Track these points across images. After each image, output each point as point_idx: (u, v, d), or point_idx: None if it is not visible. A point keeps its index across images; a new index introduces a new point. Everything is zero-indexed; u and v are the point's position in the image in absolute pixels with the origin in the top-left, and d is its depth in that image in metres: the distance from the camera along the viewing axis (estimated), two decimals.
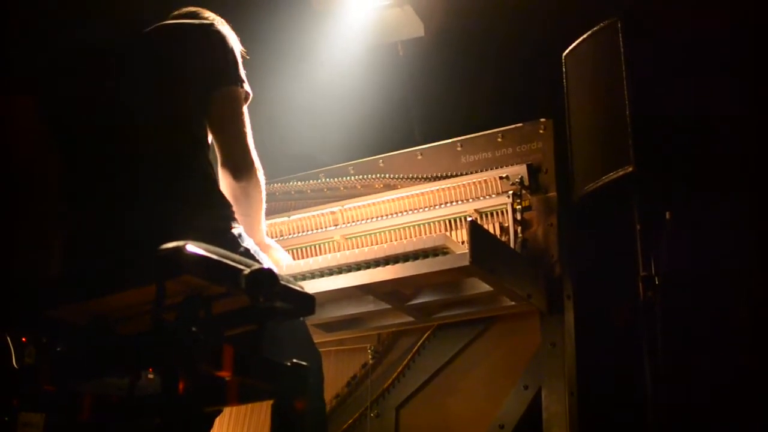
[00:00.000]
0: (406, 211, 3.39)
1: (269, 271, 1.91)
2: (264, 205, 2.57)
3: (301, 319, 2.46)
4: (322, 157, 4.01)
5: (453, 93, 4.33)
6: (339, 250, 3.41)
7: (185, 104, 2.40)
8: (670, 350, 2.76)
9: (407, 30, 4.14)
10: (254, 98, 2.56)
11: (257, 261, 2.19)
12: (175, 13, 2.70)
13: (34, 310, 2.03)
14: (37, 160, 2.36)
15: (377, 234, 3.41)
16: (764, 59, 3.42)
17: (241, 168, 2.47)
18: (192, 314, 1.84)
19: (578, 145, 3.14)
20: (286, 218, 3.58)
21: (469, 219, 3.12)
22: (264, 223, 2.60)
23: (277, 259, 2.67)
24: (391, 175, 3.57)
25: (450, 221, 3.29)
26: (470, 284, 2.99)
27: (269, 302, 1.91)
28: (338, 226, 3.49)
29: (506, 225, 3.19)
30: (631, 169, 2.89)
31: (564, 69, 3.23)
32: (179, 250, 1.80)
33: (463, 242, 3.03)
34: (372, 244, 3.37)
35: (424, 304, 3.11)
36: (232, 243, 2.28)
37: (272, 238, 3.29)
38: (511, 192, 3.21)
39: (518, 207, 3.19)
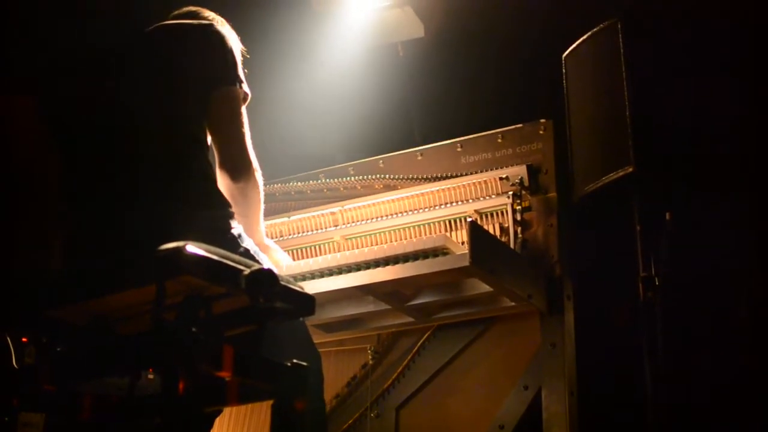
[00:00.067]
0: (406, 211, 3.39)
1: (269, 271, 1.91)
2: (262, 206, 2.57)
3: (301, 319, 2.46)
4: (323, 156, 4.00)
5: (453, 94, 4.33)
6: (339, 251, 3.41)
7: (185, 104, 2.41)
8: (670, 350, 2.76)
9: (407, 31, 4.14)
10: (254, 98, 2.56)
11: (257, 261, 2.19)
12: (176, 12, 2.70)
13: (34, 310, 2.03)
14: (37, 160, 2.36)
15: (377, 234, 3.41)
16: (764, 59, 3.42)
17: (239, 169, 2.47)
18: (192, 314, 1.84)
19: (578, 146, 3.14)
20: (286, 219, 3.58)
21: (469, 219, 3.12)
22: (263, 224, 2.60)
23: (277, 260, 2.67)
24: (391, 176, 3.57)
25: (450, 222, 3.29)
26: (470, 285, 2.99)
27: (269, 302, 1.91)
28: (338, 227, 3.49)
29: (506, 225, 3.19)
30: (631, 169, 2.89)
31: (564, 70, 3.23)
32: (179, 251, 1.80)
33: (463, 243, 3.03)
34: (372, 245, 3.37)
35: (424, 305, 3.11)
36: (232, 243, 2.28)
37: (272, 238, 3.30)
38: (511, 192, 3.21)
39: (518, 207, 3.19)
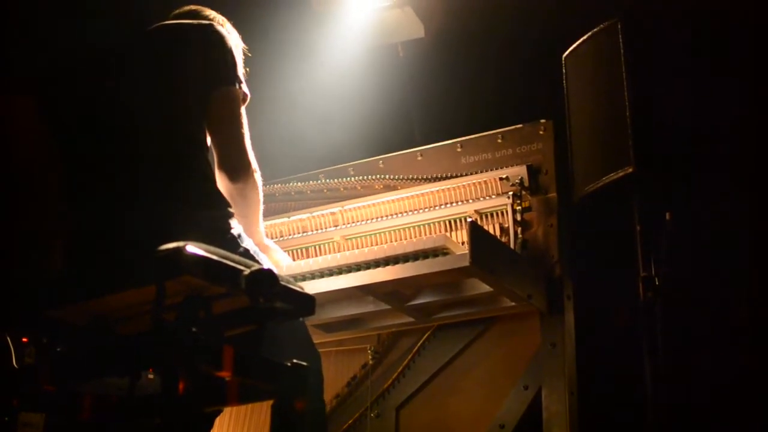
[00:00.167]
0: (406, 211, 3.39)
1: (269, 271, 1.91)
2: (261, 207, 2.57)
3: (301, 319, 2.46)
4: (323, 156, 4.00)
5: (453, 94, 4.33)
6: (339, 251, 3.41)
7: (184, 104, 2.40)
8: (670, 350, 2.76)
9: (407, 31, 4.14)
10: (254, 98, 2.56)
11: (257, 261, 2.19)
12: (176, 11, 2.71)
13: (34, 310, 2.03)
14: (37, 160, 2.36)
15: (377, 235, 3.41)
16: (764, 59, 3.42)
17: (238, 169, 2.47)
18: (192, 314, 1.84)
19: (578, 146, 3.14)
20: (286, 219, 3.58)
21: (469, 220, 3.12)
22: (262, 225, 2.60)
23: (277, 260, 2.67)
24: (391, 176, 3.58)
25: (450, 222, 3.29)
26: (470, 285, 2.99)
27: (269, 303, 1.91)
28: (338, 227, 3.49)
29: (506, 226, 3.19)
30: (631, 169, 2.88)
31: (564, 70, 3.23)
32: (179, 251, 1.80)
33: (463, 243, 3.03)
34: (372, 245, 3.37)
35: (424, 305, 3.11)
36: (232, 243, 2.28)
37: (272, 238, 3.31)
38: (511, 193, 3.21)
39: (518, 208, 3.19)
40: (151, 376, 1.98)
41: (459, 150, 3.49)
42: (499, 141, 3.40)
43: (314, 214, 3.53)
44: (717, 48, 3.46)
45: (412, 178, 3.53)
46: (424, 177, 3.51)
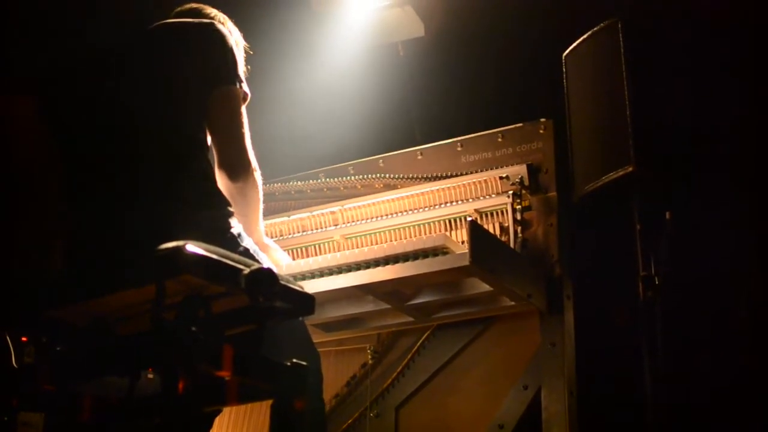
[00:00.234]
0: (406, 211, 3.39)
1: (269, 270, 1.91)
2: (261, 206, 2.57)
3: (301, 319, 2.46)
4: (323, 155, 4.00)
5: (453, 93, 4.33)
6: (339, 250, 3.41)
7: (184, 104, 2.40)
8: (670, 350, 2.76)
9: (407, 30, 4.14)
10: (254, 97, 2.56)
11: (257, 261, 2.19)
12: (177, 10, 2.71)
13: (33, 310, 2.03)
14: (37, 160, 2.36)
15: (377, 234, 3.41)
16: (764, 59, 3.42)
17: (238, 168, 2.47)
18: (192, 314, 1.84)
19: (578, 145, 3.14)
20: (285, 218, 3.58)
21: (469, 219, 3.12)
22: (262, 224, 2.60)
23: (277, 260, 2.67)
24: (391, 175, 3.57)
25: (450, 221, 3.29)
26: (470, 284, 2.99)
27: (269, 302, 1.91)
28: (338, 226, 3.49)
29: (506, 225, 3.19)
30: (631, 169, 2.89)
31: (564, 69, 3.23)
32: (179, 250, 1.80)
33: (463, 242, 3.03)
34: (372, 244, 3.37)
35: (423, 304, 3.11)
36: (232, 242, 2.28)
37: (272, 237, 3.30)
38: (511, 192, 3.21)
39: (518, 207, 3.19)
40: (150, 376, 1.98)
41: (459, 149, 3.49)
42: (499, 140, 3.40)
43: (314, 213, 3.53)
44: (717, 48, 3.46)
45: (412, 177, 3.53)
46: (424, 176, 3.51)
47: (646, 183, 2.93)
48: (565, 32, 3.29)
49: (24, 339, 2.05)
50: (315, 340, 2.57)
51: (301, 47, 4.41)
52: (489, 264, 2.79)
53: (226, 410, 3.18)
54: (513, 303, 3.02)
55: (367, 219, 3.45)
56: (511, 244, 3.13)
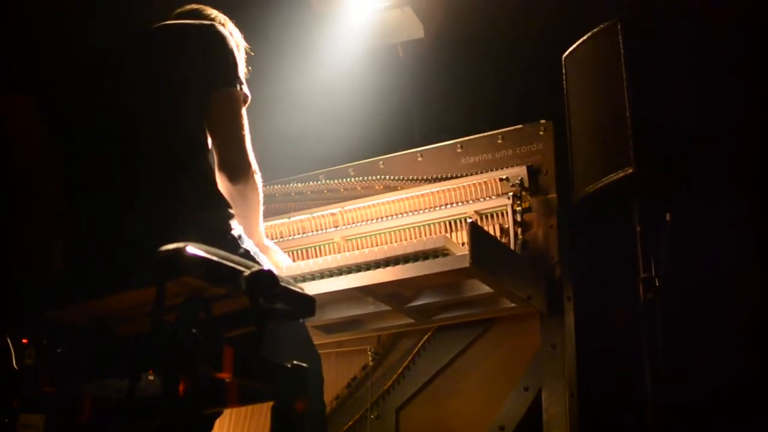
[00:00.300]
0: (406, 212, 3.39)
1: (269, 272, 1.91)
2: (261, 208, 2.57)
3: (301, 320, 2.46)
4: (323, 157, 4.00)
5: (453, 94, 4.33)
6: (339, 252, 3.41)
7: (184, 105, 2.40)
8: (670, 351, 2.76)
9: (407, 32, 4.14)
10: (253, 98, 2.56)
11: (257, 262, 2.19)
12: (178, 11, 2.70)
13: (34, 311, 2.03)
14: (37, 160, 2.35)
15: (377, 235, 3.41)
16: (764, 59, 3.42)
17: (238, 170, 2.47)
18: (192, 316, 1.84)
19: (578, 147, 3.14)
20: (286, 220, 3.58)
21: (469, 220, 3.12)
22: (262, 226, 2.60)
23: (277, 261, 2.67)
24: (392, 177, 3.57)
25: (450, 223, 3.29)
26: (470, 286, 2.99)
27: (269, 304, 1.90)
28: (338, 228, 3.49)
29: (506, 226, 3.19)
30: (631, 170, 2.88)
31: (564, 70, 3.23)
32: (179, 252, 1.80)
33: (463, 244, 3.03)
34: (372, 246, 3.37)
35: (424, 306, 3.10)
36: (232, 244, 2.28)
37: (272, 239, 3.30)
38: (511, 193, 3.21)
39: (518, 208, 3.19)
40: (151, 378, 1.98)
41: (459, 150, 3.49)
42: (499, 141, 3.40)
43: (314, 214, 3.53)
44: (717, 48, 3.46)
45: (412, 179, 3.53)
46: (424, 178, 3.51)
47: (646, 184, 2.93)
48: (565, 33, 3.29)
49: (24, 340, 2.05)
50: (315, 342, 2.57)
51: (300, 48, 4.41)
52: (489, 266, 2.78)
53: (227, 412, 3.18)
54: (513, 304, 3.02)
55: (368, 221, 3.45)
56: (512, 246, 3.13)
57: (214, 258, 1.85)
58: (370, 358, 3.29)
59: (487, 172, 3.35)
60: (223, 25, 2.63)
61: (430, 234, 3.30)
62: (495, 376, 3.09)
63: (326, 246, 3.49)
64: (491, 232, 3.19)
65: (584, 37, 3.17)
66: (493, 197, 3.25)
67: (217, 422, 2.43)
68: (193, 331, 1.80)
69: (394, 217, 3.40)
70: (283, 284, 1.96)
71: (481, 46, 4.21)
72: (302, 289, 2.06)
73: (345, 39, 4.24)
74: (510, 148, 3.38)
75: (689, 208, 3.18)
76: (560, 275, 3.11)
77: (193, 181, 2.34)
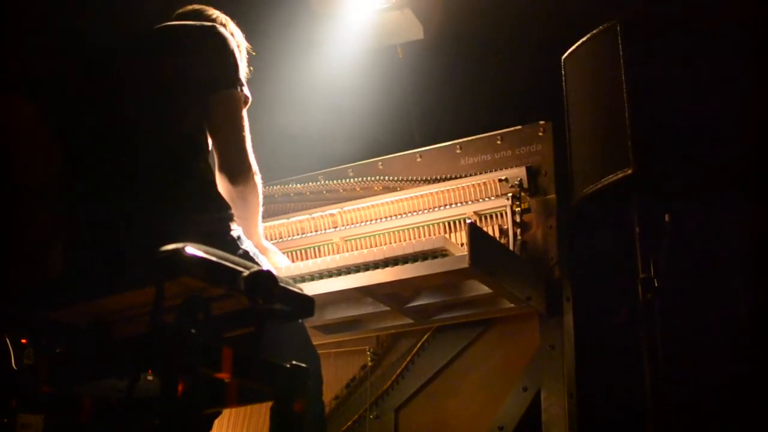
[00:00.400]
0: (405, 213, 3.39)
1: (268, 273, 1.91)
2: (261, 209, 2.57)
3: (300, 321, 2.46)
4: (322, 157, 4.00)
5: (452, 95, 4.33)
6: (338, 252, 3.41)
7: (184, 106, 2.40)
8: (669, 352, 2.76)
9: (407, 33, 4.15)
10: (253, 99, 2.56)
11: (256, 263, 2.19)
12: (179, 11, 2.70)
13: (33, 311, 2.03)
14: (36, 162, 2.36)
15: (376, 236, 3.41)
16: (764, 59, 3.42)
17: (238, 172, 2.47)
18: (191, 316, 1.84)
19: (577, 148, 3.14)
20: (285, 220, 3.58)
21: (468, 221, 3.12)
22: (261, 227, 2.60)
23: (276, 263, 2.67)
24: (391, 178, 3.57)
25: (449, 223, 3.29)
26: (469, 286, 2.99)
27: (268, 304, 1.91)
28: (337, 228, 3.49)
29: (505, 227, 3.19)
30: (630, 171, 2.88)
31: (563, 71, 3.23)
32: (179, 252, 1.80)
33: (462, 244, 3.03)
34: (371, 246, 3.37)
35: (423, 306, 3.11)
36: (231, 245, 2.28)
37: (271, 240, 3.30)
38: (510, 194, 3.21)
39: (517, 209, 3.19)
40: (150, 378, 1.98)
41: (458, 151, 3.49)
42: (499, 142, 3.41)
43: (313, 215, 3.53)
44: (717, 48, 3.46)
45: (412, 180, 3.53)
46: (424, 178, 3.51)
47: (645, 185, 2.93)
48: (565, 34, 3.28)
49: (23, 341, 2.05)
50: (315, 342, 2.57)
51: (300, 49, 4.41)
52: (488, 266, 2.79)
53: (226, 412, 3.18)
54: (512, 305, 3.02)
55: (367, 221, 3.45)
56: (511, 247, 3.13)
57: (213, 258, 1.85)
58: (369, 359, 3.29)
59: (486, 172, 3.35)
60: (224, 25, 2.63)
61: (430, 235, 3.30)
62: (494, 376, 3.09)
63: (325, 246, 3.49)
64: (490, 232, 3.19)
65: (584, 38, 3.17)
66: (493, 198, 3.26)
67: (217, 422, 2.43)
68: (192, 331, 1.80)
69: (394, 217, 3.40)
70: (282, 284, 1.96)
71: (480, 46, 4.21)
72: (301, 289, 2.06)
73: (345, 40, 4.24)
74: (509, 149, 3.38)
75: (689, 208, 3.18)
76: (559, 276, 3.11)
77: (192, 182, 2.34)
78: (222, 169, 2.47)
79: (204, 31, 2.50)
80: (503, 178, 3.26)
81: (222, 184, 2.46)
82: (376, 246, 3.36)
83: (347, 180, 3.65)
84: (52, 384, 2.01)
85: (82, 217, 2.30)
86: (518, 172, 3.26)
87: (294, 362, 2.00)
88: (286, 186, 3.75)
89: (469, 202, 3.28)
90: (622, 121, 2.93)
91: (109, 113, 2.39)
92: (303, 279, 2.93)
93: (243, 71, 2.59)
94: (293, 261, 3.24)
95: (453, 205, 3.31)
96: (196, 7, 2.74)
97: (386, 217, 3.41)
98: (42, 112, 2.43)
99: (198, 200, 2.32)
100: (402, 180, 3.55)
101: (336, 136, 4.35)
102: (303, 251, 3.52)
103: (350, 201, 3.54)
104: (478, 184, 3.29)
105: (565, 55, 3.23)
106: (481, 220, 3.24)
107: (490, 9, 4.08)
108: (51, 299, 2.00)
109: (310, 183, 3.72)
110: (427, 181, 3.48)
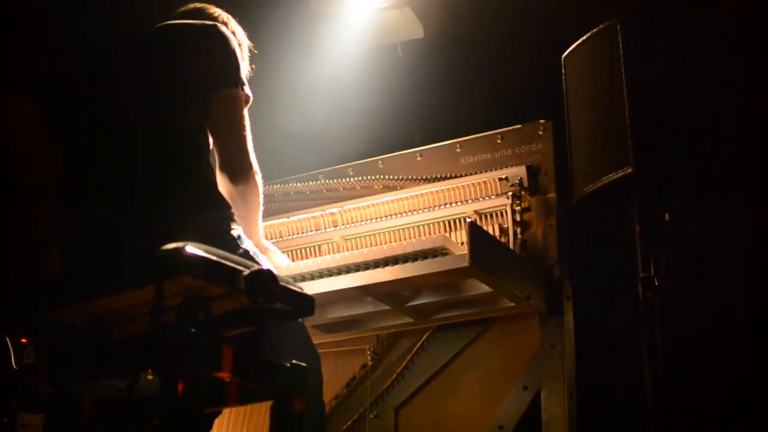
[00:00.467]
0: (405, 212, 3.39)
1: (269, 272, 1.91)
2: (261, 208, 2.57)
3: (300, 320, 2.46)
4: (322, 156, 4.00)
5: (452, 94, 4.33)
6: (338, 251, 3.41)
7: (185, 106, 2.40)
8: (670, 351, 2.76)
9: (407, 32, 4.15)
10: (253, 98, 2.56)
11: (256, 262, 2.19)
12: (181, 10, 2.70)
13: (33, 311, 2.03)
14: (37, 162, 2.36)
15: (376, 235, 3.41)
16: (764, 59, 3.42)
17: (239, 171, 2.47)
18: (191, 315, 1.84)
19: (578, 147, 3.14)
20: (285, 219, 3.58)
21: (468, 220, 3.12)
22: (261, 226, 2.60)
23: (276, 262, 2.67)
24: (391, 177, 3.57)
25: (449, 222, 3.29)
26: (469, 285, 2.99)
27: (268, 303, 1.90)
28: (338, 228, 3.49)
29: (505, 226, 3.19)
30: (630, 170, 2.88)
31: (563, 70, 3.23)
32: (179, 251, 1.79)
33: (462, 243, 3.03)
34: (371, 246, 3.37)
35: (423, 305, 3.11)
36: (232, 244, 2.28)
37: (271, 239, 3.30)
38: (510, 193, 3.21)
39: (517, 208, 3.19)
40: (150, 377, 1.98)
41: (458, 150, 3.49)
42: (499, 141, 3.41)
43: (314, 214, 3.53)
44: (717, 48, 3.46)
45: (412, 179, 3.53)
46: (424, 177, 3.51)
47: (646, 184, 2.93)
48: (565, 33, 3.28)
49: (23, 340, 2.05)
50: (315, 341, 2.57)
51: (300, 48, 4.41)
52: (488, 265, 2.78)
53: (226, 411, 3.18)
54: (512, 304, 3.02)
55: (367, 220, 3.45)
56: (511, 246, 3.13)
57: (213, 257, 1.85)
58: (369, 358, 3.29)
59: (486, 171, 3.35)
60: (225, 24, 2.63)
61: (430, 234, 3.30)
62: (494, 375, 3.09)
63: (325, 245, 3.49)
64: (490, 231, 3.19)
65: (584, 37, 3.17)
66: (493, 197, 3.26)
67: (217, 421, 2.43)
68: (193, 330, 1.80)
69: (394, 216, 3.40)
70: (282, 284, 1.96)
71: (480, 46, 4.21)
72: (301, 288, 2.06)
73: (345, 39, 4.24)
74: (509, 148, 3.38)
75: (689, 207, 3.18)
76: (559, 275, 3.11)
77: (192, 181, 2.34)
78: (223, 169, 2.47)
79: (205, 30, 2.50)
80: (503, 177, 3.25)
81: (223, 184, 2.46)
82: (376, 245, 3.36)
83: (347, 179, 3.65)
84: (52, 384, 2.01)
85: (82, 217, 2.30)
86: (518, 171, 3.26)
87: (294, 361, 2.00)
88: (287, 185, 3.75)
89: (469, 201, 3.28)
90: (622, 120, 2.93)
91: (110, 113, 2.39)
92: (303, 278, 2.93)
93: (244, 70, 2.59)
94: (293, 260, 3.24)
95: (453, 204, 3.31)
96: (198, 5, 2.74)
97: (386, 216, 3.41)
98: (42, 112, 2.43)
99: (198, 200, 2.32)
100: (402, 179, 3.55)
101: (336, 135, 4.35)
102: (303, 250, 3.52)
103: (350, 200, 3.54)
104: (478, 183, 3.29)
105: (565, 54, 3.23)
106: (481, 219, 3.24)
107: (490, 8, 4.08)
108: (51, 299, 2.00)
109: (311, 182, 3.72)
110: (428, 180, 3.48)
